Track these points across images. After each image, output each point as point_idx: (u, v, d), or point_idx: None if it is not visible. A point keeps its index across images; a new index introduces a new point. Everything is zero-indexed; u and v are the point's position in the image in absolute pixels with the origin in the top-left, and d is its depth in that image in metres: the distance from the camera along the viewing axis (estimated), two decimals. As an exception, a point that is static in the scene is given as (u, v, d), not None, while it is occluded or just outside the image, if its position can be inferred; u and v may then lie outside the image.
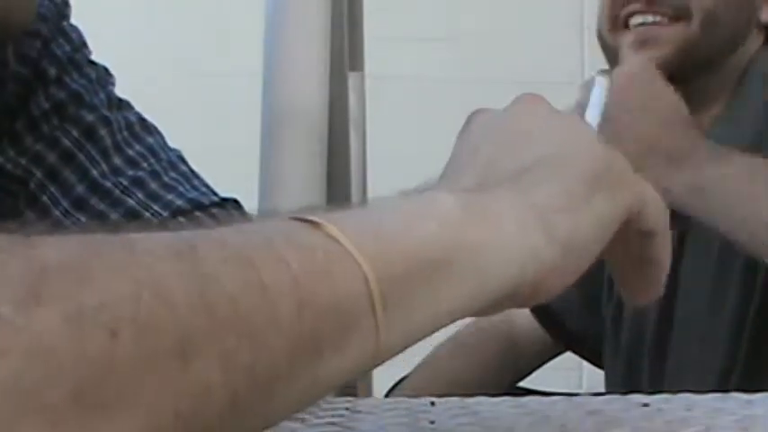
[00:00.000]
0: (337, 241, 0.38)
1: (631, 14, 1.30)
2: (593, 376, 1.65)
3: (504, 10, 2.74)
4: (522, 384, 1.51)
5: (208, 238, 0.36)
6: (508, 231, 0.44)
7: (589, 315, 1.45)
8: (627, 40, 1.31)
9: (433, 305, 0.41)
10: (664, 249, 0.52)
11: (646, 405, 0.61)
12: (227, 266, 0.34)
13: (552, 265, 0.45)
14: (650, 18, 1.29)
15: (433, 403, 0.62)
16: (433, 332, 0.42)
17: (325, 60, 1.21)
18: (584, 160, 0.49)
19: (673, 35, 1.28)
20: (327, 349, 0.36)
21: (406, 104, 2.68)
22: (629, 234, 0.50)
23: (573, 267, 0.47)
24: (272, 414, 0.36)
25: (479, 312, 0.44)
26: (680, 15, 1.28)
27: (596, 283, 1.42)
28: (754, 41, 1.33)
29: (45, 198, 0.81)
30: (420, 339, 0.41)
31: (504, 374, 1.48)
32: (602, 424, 0.56)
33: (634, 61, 1.27)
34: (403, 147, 2.58)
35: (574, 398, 0.65)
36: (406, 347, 0.41)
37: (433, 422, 0.56)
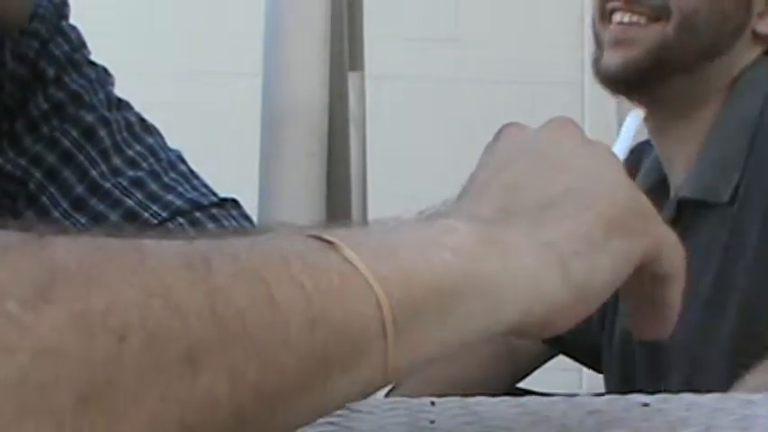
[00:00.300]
0: (352, 264, 0.38)
1: (614, 10, 1.31)
2: (593, 376, 1.65)
3: (504, 10, 2.74)
4: (521, 385, 1.51)
5: (221, 252, 0.35)
6: (523, 267, 0.44)
7: (584, 323, 1.45)
8: (607, 36, 1.31)
9: (443, 333, 0.41)
10: (677, 292, 0.51)
11: (646, 405, 0.61)
12: (239, 281, 0.34)
13: (563, 307, 0.45)
14: (627, 18, 1.29)
15: (432, 403, 0.62)
16: (439, 358, 0.42)
17: (325, 60, 1.21)
18: (608, 201, 0.48)
19: (646, 37, 1.28)
20: (336, 370, 0.37)
21: (406, 104, 2.68)
22: (645, 275, 0.50)
23: (584, 308, 0.47)
24: (277, 430, 0.36)
25: (484, 341, 0.45)
26: (658, 16, 1.28)
27: None
28: (748, 52, 1.31)
29: (44, 199, 0.81)
30: (426, 365, 0.41)
31: (502, 376, 1.48)
32: (602, 424, 0.56)
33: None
34: (403, 147, 2.59)
35: (574, 398, 0.65)
36: (412, 372, 0.41)
37: (432, 422, 0.56)
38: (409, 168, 2.63)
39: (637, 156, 1.44)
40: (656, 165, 1.35)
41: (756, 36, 1.31)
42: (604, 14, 1.32)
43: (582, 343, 1.46)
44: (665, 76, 1.27)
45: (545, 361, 1.53)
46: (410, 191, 2.60)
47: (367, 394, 0.39)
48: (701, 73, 1.28)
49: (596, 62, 1.32)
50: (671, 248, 0.50)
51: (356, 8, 1.45)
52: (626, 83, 1.30)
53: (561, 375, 1.54)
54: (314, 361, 0.36)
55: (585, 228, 0.47)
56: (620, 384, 1.33)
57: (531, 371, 1.53)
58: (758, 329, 1.14)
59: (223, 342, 0.33)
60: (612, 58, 1.29)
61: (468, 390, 0.69)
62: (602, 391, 1.43)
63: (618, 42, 1.29)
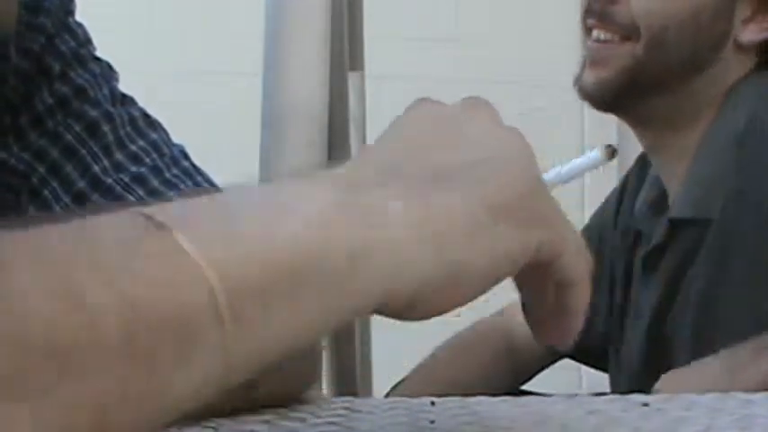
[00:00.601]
0: (182, 248, 0.35)
1: (592, 27, 1.30)
2: (593, 376, 1.65)
3: (504, 10, 2.74)
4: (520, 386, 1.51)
5: (26, 248, 0.33)
6: (389, 238, 0.40)
7: (585, 325, 1.44)
8: (586, 52, 1.31)
9: (295, 316, 0.38)
10: (580, 300, 0.48)
11: (646, 405, 0.61)
12: (43, 286, 0.32)
13: (435, 285, 0.42)
14: (602, 35, 1.28)
15: (433, 403, 0.62)
16: (300, 343, 0.39)
17: (325, 60, 1.21)
18: (503, 184, 0.45)
19: (618, 57, 1.26)
20: (165, 366, 0.34)
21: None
22: (546, 279, 0.47)
23: (460, 292, 0.43)
24: None
25: (348, 320, 0.42)
26: (628, 35, 1.26)
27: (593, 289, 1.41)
28: (739, 64, 1.27)
29: (47, 193, 0.81)
30: (288, 351, 0.38)
31: (503, 379, 1.48)
32: (602, 424, 0.56)
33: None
34: (403, 147, 2.59)
35: (574, 398, 0.65)
36: (269, 360, 0.38)
37: (432, 422, 0.56)
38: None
39: (642, 164, 1.42)
40: (656, 179, 1.35)
41: (739, 46, 1.26)
42: (585, 29, 1.31)
43: (584, 345, 1.46)
44: (641, 96, 1.26)
45: (548, 364, 1.52)
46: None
47: (213, 389, 0.36)
48: (687, 88, 1.26)
49: (577, 79, 1.31)
50: (573, 252, 0.47)
51: (356, 8, 1.45)
52: (602, 102, 1.30)
53: (561, 375, 1.54)
54: (135, 360, 0.33)
55: (471, 207, 0.43)
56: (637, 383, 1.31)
57: (534, 374, 1.52)
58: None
59: (29, 364, 0.31)
60: (588, 77, 1.29)
61: (468, 391, 0.69)
62: (602, 391, 1.43)
63: (593, 62, 1.28)
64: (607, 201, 1.49)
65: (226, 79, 2.54)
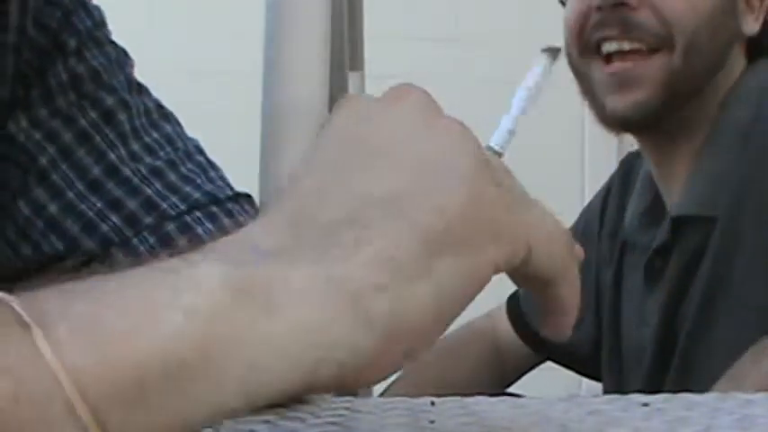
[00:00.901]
0: (40, 353, 0.32)
1: (604, 40, 1.21)
2: (593, 376, 1.64)
3: (504, 11, 2.74)
4: (520, 387, 1.51)
5: None
6: (295, 319, 0.36)
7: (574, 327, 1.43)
8: (601, 73, 1.20)
9: (183, 410, 0.34)
10: (566, 297, 0.44)
11: (646, 405, 0.61)
12: None
13: (368, 356, 0.37)
14: (626, 45, 1.19)
15: (432, 403, 0.62)
16: None
17: (325, 60, 1.21)
18: (437, 208, 0.38)
19: (655, 71, 1.18)
20: None
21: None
22: (525, 279, 0.43)
23: (402, 349, 0.38)
24: None
25: (264, 404, 0.38)
26: (659, 45, 1.19)
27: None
28: (738, 59, 1.25)
29: (56, 177, 0.80)
30: None
31: (489, 381, 1.48)
32: (602, 424, 0.56)
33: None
34: (403, 147, 2.59)
35: (574, 398, 0.65)
36: None
37: (432, 422, 0.56)
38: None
39: (627, 168, 1.41)
40: (647, 183, 1.32)
41: (741, 39, 1.25)
42: (588, 47, 1.23)
43: (569, 350, 1.46)
44: (678, 106, 1.20)
45: (533, 366, 1.52)
46: (410, 191, 2.60)
47: None
48: (710, 89, 1.22)
49: (597, 107, 1.22)
50: (546, 248, 0.42)
51: (356, 8, 1.45)
52: (638, 125, 1.22)
53: (561, 375, 1.54)
54: None
55: (393, 251, 0.37)
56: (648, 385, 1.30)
57: (520, 376, 1.52)
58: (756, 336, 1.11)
59: None
60: (620, 103, 1.20)
61: (455, 392, 0.69)
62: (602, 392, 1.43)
63: (624, 84, 1.19)
64: (590, 207, 1.47)
65: (226, 79, 2.54)
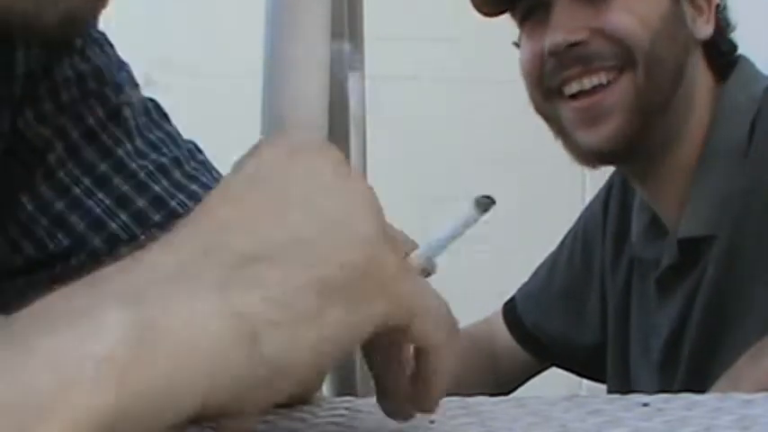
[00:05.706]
0: None
1: (564, 83, 1.19)
2: (593, 376, 1.64)
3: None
4: (519, 388, 1.51)
5: None
6: (195, 347, 0.37)
7: (576, 332, 1.43)
8: (569, 112, 1.19)
9: None
10: (438, 366, 0.46)
11: (646, 405, 0.61)
12: None
13: (251, 386, 0.39)
14: (587, 84, 1.18)
15: (433, 403, 0.62)
16: None
17: (325, 61, 1.21)
18: (335, 261, 0.41)
19: (621, 97, 1.16)
20: None
21: (406, 104, 2.68)
22: (400, 345, 0.45)
23: (284, 385, 0.40)
24: None
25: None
26: (621, 66, 1.17)
27: (582, 298, 1.40)
28: (699, 70, 1.22)
29: (62, 174, 0.79)
30: None
31: (485, 386, 1.47)
32: (602, 424, 0.56)
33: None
34: (403, 147, 2.58)
35: (574, 398, 0.65)
36: None
37: (432, 422, 0.56)
38: (409, 168, 2.63)
39: (622, 188, 1.40)
40: (644, 204, 1.30)
41: (696, 45, 1.22)
42: (551, 91, 1.21)
43: (571, 350, 1.45)
44: (649, 126, 1.18)
45: (533, 375, 1.52)
46: (410, 191, 2.60)
47: None
48: (675, 101, 1.20)
49: (571, 145, 1.20)
50: (426, 317, 0.45)
51: (356, 8, 1.45)
52: (615, 155, 1.21)
53: (561, 375, 1.54)
54: None
55: (293, 294, 0.39)
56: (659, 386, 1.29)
57: (519, 384, 1.52)
58: None
59: None
60: (594, 137, 1.18)
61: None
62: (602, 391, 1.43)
63: (591, 121, 1.18)
64: (591, 208, 1.46)
65: (226, 79, 2.54)
